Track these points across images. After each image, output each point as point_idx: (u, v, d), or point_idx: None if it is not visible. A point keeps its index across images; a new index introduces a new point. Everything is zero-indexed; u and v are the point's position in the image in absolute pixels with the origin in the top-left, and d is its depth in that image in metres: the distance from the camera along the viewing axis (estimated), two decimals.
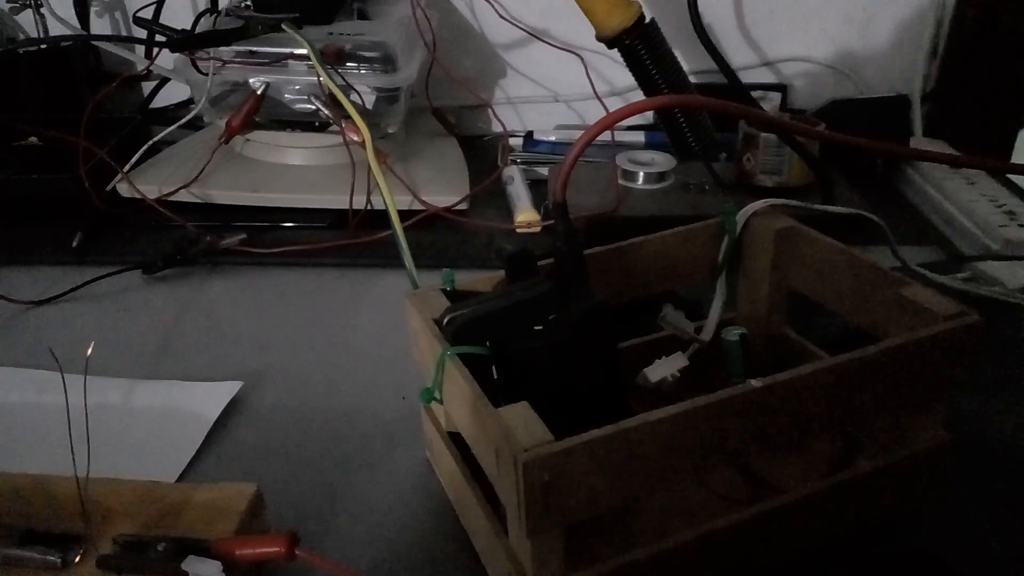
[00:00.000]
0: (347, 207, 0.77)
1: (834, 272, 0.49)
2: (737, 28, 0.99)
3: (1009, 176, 0.83)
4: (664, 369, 0.49)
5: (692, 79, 0.78)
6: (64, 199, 0.80)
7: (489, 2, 0.95)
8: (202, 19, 0.86)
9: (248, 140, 0.85)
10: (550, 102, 1.03)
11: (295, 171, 0.84)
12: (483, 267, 0.71)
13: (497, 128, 1.00)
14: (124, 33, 1.02)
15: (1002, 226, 0.73)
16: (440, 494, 0.49)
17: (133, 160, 0.82)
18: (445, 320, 0.43)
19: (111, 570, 0.39)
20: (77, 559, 0.40)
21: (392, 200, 0.56)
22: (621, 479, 0.37)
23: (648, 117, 0.97)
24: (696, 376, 0.50)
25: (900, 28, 0.98)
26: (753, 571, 0.43)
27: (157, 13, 0.90)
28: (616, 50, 0.74)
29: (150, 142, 0.84)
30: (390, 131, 0.85)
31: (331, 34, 0.80)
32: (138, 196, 0.80)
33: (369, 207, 0.78)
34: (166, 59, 0.85)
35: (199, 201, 0.81)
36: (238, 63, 0.79)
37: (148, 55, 0.93)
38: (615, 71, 0.96)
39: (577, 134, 0.95)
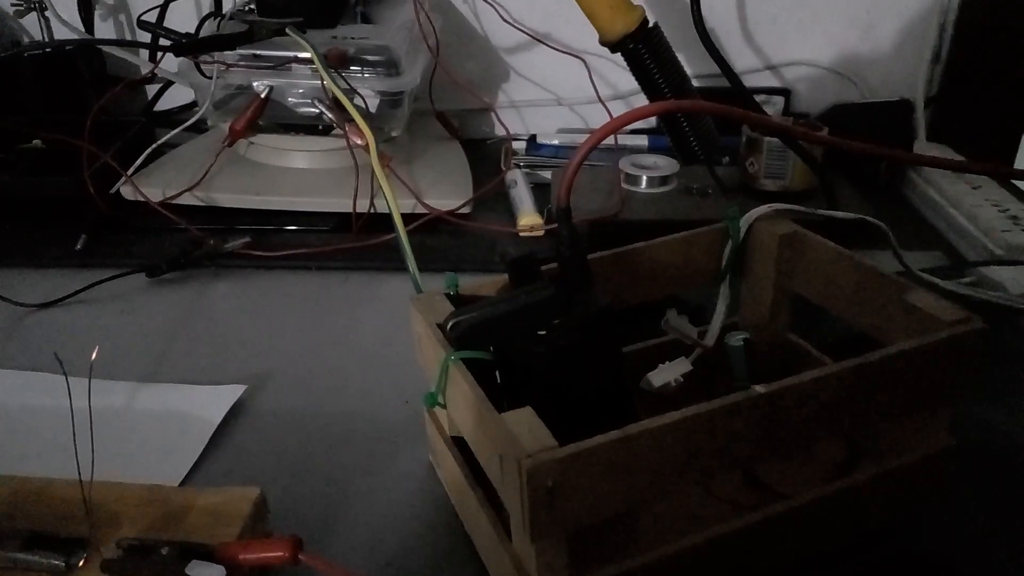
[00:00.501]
0: (350, 211, 0.77)
1: (838, 277, 0.49)
2: (740, 32, 0.99)
3: (1013, 181, 0.83)
4: (667, 374, 0.49)
5: (695, 83, 0.78)
6: (68, 202, 0.80)
7: (492, 6, 0.95)
8: (206, 23, 0.86)
9: (252, 143, 0.85)
10: (553, 106, 1.03)
11: (298, 174, 0.84)
12: (486, 271, 0.72)
13: (500, 132, 1.00)
14: (128, 37, 1.03)
15: (1005, 231, 0.73)
16: (443, 499, 0.49)
17: (137, 163, 0.82)
18: (449, 324, 0.43)
19: (115, 574, 0.39)
20: (81, 563, 0.40)
21: (396, 204, 0.56)
22: (625, 484, 0.37)
23: (651, 121, 0.97)
24: (699, 381, 0.50)
25: (903, 33, 0.98)
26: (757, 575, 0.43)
27: (161, 17, 0.90)
28: (619, 54, 0.74)
29: (154, 145, 0.84)
30: (393, 135, 0.85)
31: (335, 38, 0.80)
32: (142, 199, 0.80)
33: (372, 210, 0.78)
34: (170, 63, 0.86)
35: (203, 204, 0.81)
36: (242, 67, 0.80)
37: (152, 59, 0.93)
38: (618, 75, 0.96)
39: (580, 138, 0.96)
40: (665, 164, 0.81)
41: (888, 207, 0.82)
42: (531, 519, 0.35)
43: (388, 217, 0.55)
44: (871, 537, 0.46)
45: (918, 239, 0.78)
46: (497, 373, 0.42)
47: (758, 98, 0.94)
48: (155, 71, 0.89)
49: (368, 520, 0.48)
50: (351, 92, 0.76)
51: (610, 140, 0.68)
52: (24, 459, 0.52)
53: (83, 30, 0.97)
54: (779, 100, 1.00)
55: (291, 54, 0.78)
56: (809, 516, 0.43)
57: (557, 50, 0.94)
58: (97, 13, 0.99)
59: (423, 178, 0.83)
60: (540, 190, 0.84)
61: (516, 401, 0.37)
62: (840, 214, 0.56)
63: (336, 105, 0.76)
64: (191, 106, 0.99)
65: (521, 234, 0.78)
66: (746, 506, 0.46)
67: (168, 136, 0.85)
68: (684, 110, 0.74)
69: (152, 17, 0.89)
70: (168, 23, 0.88)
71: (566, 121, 1.04)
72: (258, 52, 0.79)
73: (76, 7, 0.97)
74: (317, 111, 0.80)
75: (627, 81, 0.86)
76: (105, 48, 0.97)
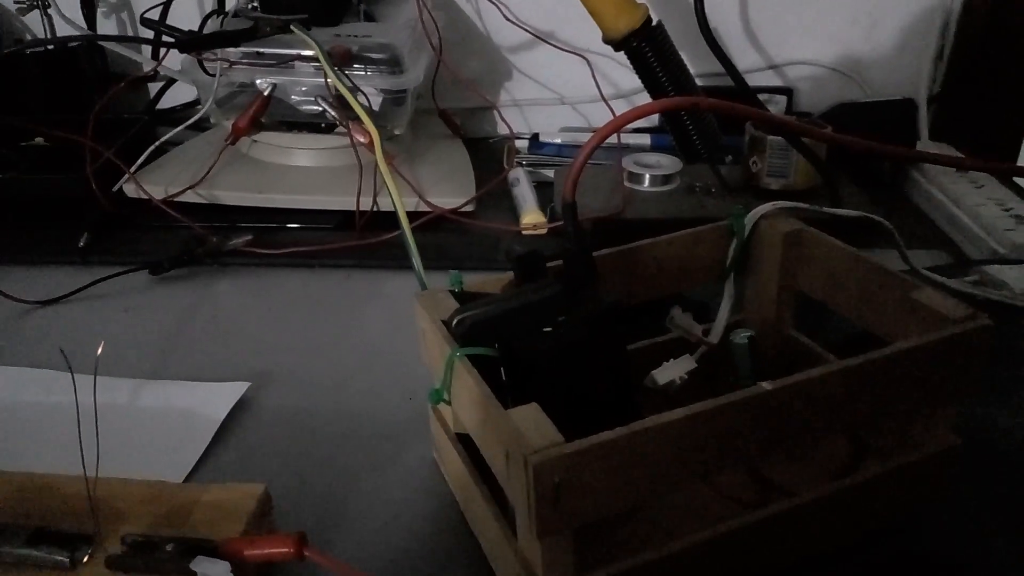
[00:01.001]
0: (353, 208, 0.77)
1: (842, 275, 0.49)
2: (743, 31, 0.99)
3: (1016, 179, 0.83)
4: (672, 371, 0.49)
5: (698, 82, 0.78)
6: (71, 199, 0.80)
7: (495, 4, 0.95)
8: (209, 20, 0.86)
9: (255, 141, 0.85)
10: (556, 104, 1.03)
11: (301, 172, 0.84)
12: (487, 269, 0.72)
13: (503, 130, 1.00)
14: (131, 34, 1.03)
15: (1009, 230, 0.73)
16: (448, 495, 0.49)
17: (140, 161, 0.82)
18: (454, 321, 0.43)
19: (120, 570, 0.39)
20: (86, 559, 0.40)
21: (401, 201, 0.56)
22: (631, 481, 0.37)
23: (654, 119, 0.97)
24: (704, 378, 0.50)
25: (906, 31, 0.98)
26: (762, 573, 0.43)
27: (164, 14, 0.90)
28: (622, 52, 0.74)
29: (157, 143, 0.84)
30: (396, 133, 0.85)
31: (338, 36, 0.80)
32: (145, 196, 0.80)
33: (375, 208, 0.78)
34: (173, 60, 0.86)
35: (206, 202, 0.81)
36: (245, 64, 0.79)
37: (155, 56, 0.93)
38: (621, 73, 0.96)
39: (583, 136, 0.96)
40: (668, 163, 0.81)
41: (891, 205, 0.82)
42: (537, 515, 0.35)
43: (391, 215, 0.55)
44: (873, 536, 0.46)
45: (921, 238, 0.78)
46: (502, 370, 0.42)
47: (761, 97, 0.94)
48: (158, 68, 0.89)
49: (372, 517, 0.48)
50: (354, 90, 0.76)
51: (613, 138, 0.68)
52: (29, 455, 0.52)
53: (85, 27, 0.97)
54: (782, 99, 1.00)
55: (294, 52, 0.78)
56: (814, 514, 0.43)
57: (560, 48, 0.94)
58: (100, 10, 0.99)
59: (426, 176, 0.83)
60: (543, 189, 0.84)
61: (521, 398, 0.37)
62: (845, 212, 0.57)
63: (339, 103, 0.76)
64: (194, 104, 0.99)
65: (524, 232, 0.78)
66: (751, 503, 0.46)
67: (171, 134, 0.85)
68: (687, 106, 0.74)
69: (155, 14, 0.89)
70: (171, 21, 0.88)
71: (569, 120, 1.04)
72: (261, 49, 0.79)
73: (79, 4, 0.96)
74: (320, 109, 0.80)
75: (630, 80, 0.86)
76: (108, 45, 0.97)
